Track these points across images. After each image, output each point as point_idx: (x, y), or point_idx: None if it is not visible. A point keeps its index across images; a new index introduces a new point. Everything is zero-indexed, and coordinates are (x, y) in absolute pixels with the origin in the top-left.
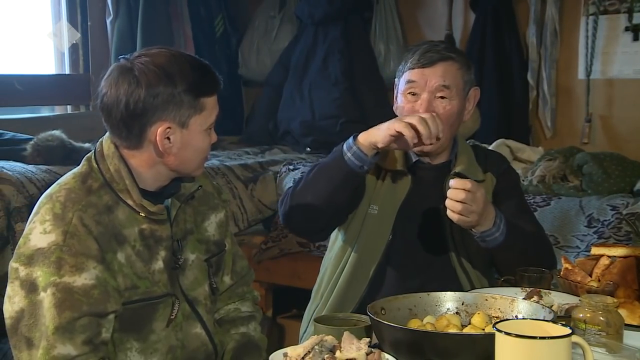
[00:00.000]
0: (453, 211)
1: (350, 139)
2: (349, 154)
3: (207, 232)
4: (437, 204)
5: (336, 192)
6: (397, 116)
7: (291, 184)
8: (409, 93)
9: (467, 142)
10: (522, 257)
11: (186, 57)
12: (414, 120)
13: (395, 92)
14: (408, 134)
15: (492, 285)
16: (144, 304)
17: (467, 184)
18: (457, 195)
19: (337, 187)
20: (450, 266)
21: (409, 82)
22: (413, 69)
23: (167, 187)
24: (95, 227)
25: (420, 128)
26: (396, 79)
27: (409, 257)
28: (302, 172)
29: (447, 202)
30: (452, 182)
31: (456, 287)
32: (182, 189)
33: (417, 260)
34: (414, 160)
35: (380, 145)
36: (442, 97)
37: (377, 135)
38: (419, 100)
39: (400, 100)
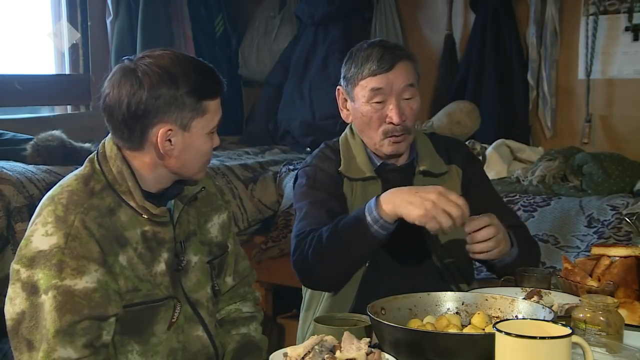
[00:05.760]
0: (488, 252)
1: (374, 208)
2: (375, 227)
3: (210, 234)
4: None
5: (364, 258)
6: (347, 124)
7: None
8: (376, 102)
9: (423, 127)
10: (526, 256)
11: (190, 59)
12: (452, 209)
13: (342, 98)
14: (446, 225)
15: (471, 279)
16: (145, 306)
17: (481, 221)
18: (483, 236)
19: (364, 254)
20: (433, 265)
21: (373, 89)
22: (374, 75)
23: (170, 188)
24: (97, 229)
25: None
26: (344, 86)
27: (394, 260)
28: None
29: (480, 247)
30: (468, 228)
31: (443, 286)
32: (185, 190)
33: (401, 262)
34: (378, 164)
35: (408, 220)
36: (408, 98)
37: (408, 211)
38: (388, 107)
39: (365, 110)
